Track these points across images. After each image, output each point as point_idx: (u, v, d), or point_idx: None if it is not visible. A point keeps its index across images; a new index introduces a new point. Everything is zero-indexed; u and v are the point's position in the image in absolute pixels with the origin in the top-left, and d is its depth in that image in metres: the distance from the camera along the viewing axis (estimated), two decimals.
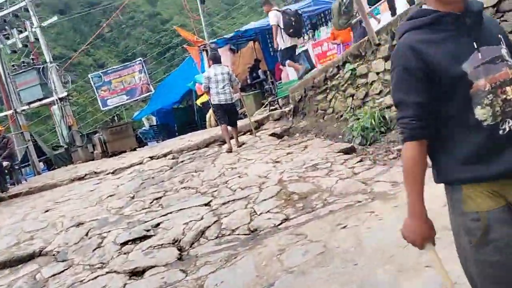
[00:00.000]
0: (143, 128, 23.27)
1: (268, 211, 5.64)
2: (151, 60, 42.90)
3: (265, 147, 8.91)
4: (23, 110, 15.97)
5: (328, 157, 7.16)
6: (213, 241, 5.31)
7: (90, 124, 28.96)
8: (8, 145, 12.51)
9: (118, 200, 7.86)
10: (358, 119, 8.29)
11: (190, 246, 5.35)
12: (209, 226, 5.63)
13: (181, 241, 5.50)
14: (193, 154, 10.24)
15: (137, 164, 10.67)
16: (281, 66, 17.00)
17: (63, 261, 5.92)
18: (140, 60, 22.71)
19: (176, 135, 22.60)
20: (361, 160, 6.69)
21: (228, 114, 9.97)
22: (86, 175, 10.95)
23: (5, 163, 12.12)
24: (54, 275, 5.58)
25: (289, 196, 5.93)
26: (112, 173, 10.66)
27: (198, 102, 24.55)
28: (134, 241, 5.88)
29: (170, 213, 6.48)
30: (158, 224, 6.20)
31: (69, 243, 6.34)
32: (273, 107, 14.92)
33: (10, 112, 16.00)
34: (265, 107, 15.52)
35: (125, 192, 8.24)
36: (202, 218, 5.94)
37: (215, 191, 6.98)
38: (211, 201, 6.57)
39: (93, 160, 15.00)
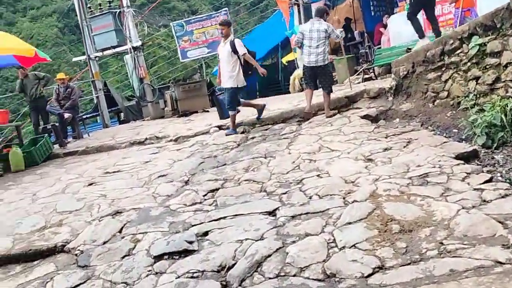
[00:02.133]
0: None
1: (354, 246, 3.95)
2: (244, 9, 41.24)
3: (355, 135, 7.13)
4: (97, 56, 14.98)
5: (442, 163, 5.29)
6: (271, 282, 3.73)
7: (167, 77, 27.96)
8: (72, 96, 11.49)
9: (169, 184, 6.45)
10: (483, 110, 6.31)
11: (240, 284, 3.82)
12: (269, 256, 4.04)
13: (229, 271, 3.97)
14: (266, 130, 8.67)
15: (202, 134, 9.26)
16: (381, 29, 14.87)
17: (83, 267, 4.61)
18: (226, 10, 21.10)
19: (257, 96, 21.19)
20: (490, 179, 4.78)
21: (318, 76, 8.76)
22: (146, 139, 9.71)
23: (66, 115, 11.10)
24: None
25: (385, 224, 4.20)
26: (175, 140, 9.33)
27: (284, 60, 22.89)
28: (171, 255, 4.45)
29: (224, 218, 4.96)
30: (205, 234, 4.71)
31: (97, 241, 5.02)
32: (367, 76, 13.00)
33: (83, 57, 15.11)
34: (357, 74, 13.58)
35: (179, 173, 6.83)
36: (262, 238, 4.36)
37: (285, 193, 5.37)
38: (277, 208, 4.97)
39: (163, 117, 13.83)
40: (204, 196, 5.76)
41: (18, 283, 4.57)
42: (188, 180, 6.57)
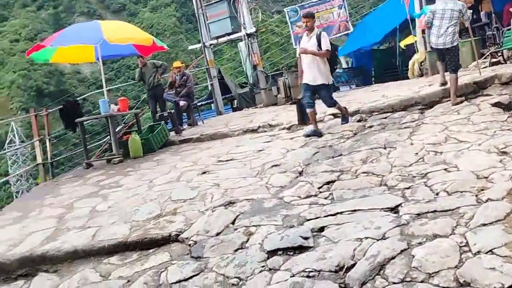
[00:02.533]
0: (336, 70, 21.33)
1: (490, 251, 3.48)
2: None
3: (486, 124, 6.46)
4: (211, 44, 15.17)
5: None
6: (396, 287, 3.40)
7: (279, 63, 27.78)
8: (187, 83, 11.71)
9: (282, 174, 6.25)
10: None
11: (361, 287, 3.52)
12: (393, 258, 3.68)
13: (347, 272, 3.68)
14: (385, 118, 8.16)
15: (317, 122, 8.94)
16: (511, 9, 13.54)
17: (196, 258, 4.55)
18: None
19: (372, 81, 20.43)
20: None
21: (446, 58, 8.26)
22: (259, 127, 9.59)
23: (182, 103, 11.35)
24: (180, 281, 4.25)
25: None
26: (288, 128, 9.12)
27: (402, 44, 21.80)
28: (285, 251, 4.24)
29: (341, 213, 4.66)
30: (321, 229, 4.44)
31: (210, 232, 4.94)
32: (494, 59, 11.91)
33: (199, 45, 15.39)
34: (484, 58, 12.47)
35: (293, 163, 6.60)
36: (384, 238, 4.01)
37: (409, 187, 4.94)
38: (400, 205, 4.57)
39: (276, 104, 13.71)
40: (319, 188, 5.48)
41: (134, 271, 4.62)
42: (302, 170, 6.32)
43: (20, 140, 37.42)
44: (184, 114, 12.30)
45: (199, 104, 14.41)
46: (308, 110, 8.20)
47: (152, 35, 11.60)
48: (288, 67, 14.72)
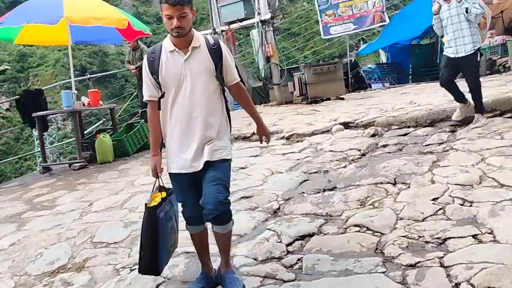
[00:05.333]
0: (368, 66, 19.37)
1: None
2: None
3: None
4: (223, 31, 13.44)
5: None
6: None
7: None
8: None
9: (249, 213, 4.54)
10: None
11: None
12: None
13: None
14: (405, 135, 6.37)
15: (322, 132, 7.21)
16: None
17: None
18: None
19: (408, 80, 18.44)
20: None
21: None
22: (253, 134, 7.88)
23: None
24: None
25: None
26: (287, 139, 7.41)
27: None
28: None
29: None
30: None
31: None
32: None
33: (209, 31, 13.68)
34: None
35: (270, 195, 4.91)
36: None
37: (414, 264, 3.18)
38: None
39: (291, 102, 11.96)
40: (288, 246, 3.77)
41: None
42: (278, 208, 4.61)
43: None
44: None
45: None
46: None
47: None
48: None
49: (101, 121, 9.90)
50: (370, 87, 17.80)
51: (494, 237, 3.33)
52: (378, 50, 21.98)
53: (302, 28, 28.73)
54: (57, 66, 50.11)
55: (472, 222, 3.62)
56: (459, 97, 6.29)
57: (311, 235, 3.89)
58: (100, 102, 8.43)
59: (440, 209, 3.93)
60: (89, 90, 8.44)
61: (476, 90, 6.17)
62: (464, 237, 3.39)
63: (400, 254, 3.34)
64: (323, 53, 26.11)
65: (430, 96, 8.76)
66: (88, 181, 6.69)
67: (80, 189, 6.27)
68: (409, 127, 6.61)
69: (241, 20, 12.71)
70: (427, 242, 3.47)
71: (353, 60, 18.67)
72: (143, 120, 8.52)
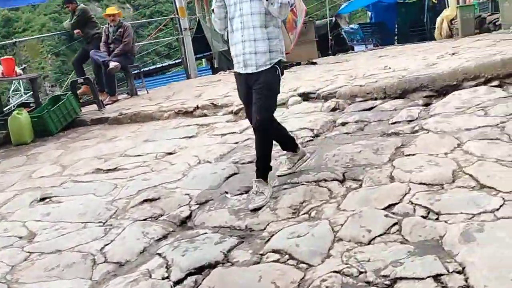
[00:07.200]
0: (350, 26, 17.99)
1: None
2: None
3: None
4: None
5: None
6: None
7: None
8: (124, 38, 8.60)
9: (145, 227, 3.39)
10: None
11: None
12: None
13: None
14: (370, 110, 5.18)
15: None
16: None
17: None
18: None
19: (394, 40, 17.18)
20: None
21: None
22: (197, 108, 6.67)
23: (112, 64, 8.17)
24: None
25: None
26: (234, 113, 6.26)
27: None
28: None
29: None
30: None
31: None
32: None
33: None
34: None
35: (183, 197, 3.75)
36: None
37: None
38: None
39: None
40: (175, 286, 2.63)
41: None
42: (188, 217, 3.46)
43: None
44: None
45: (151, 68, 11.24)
46: None
47: None
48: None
49: (28, 94, 8.66)
50: (353, 49, 16.54)
51: (466, 280, 2.19)
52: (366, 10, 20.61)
53: None
54: (43, 31, 48.18)
55: (437, 248, 2.47)
56: None
57: (213, 265, 2.74)
58: (18, 70, 7.16)
59: (395, 224, 2.77)
60: (1, 58, 7.15)
61: None
62: (422, 279, 2.24)
63: None
64: (315, 14, 24.48)
65: (409, 60, 7.56)
66: None
67: None
68: (376, 99, 5.41)
69: None
70: (368, 283, 2.32)
71: (333, 20, 17.33)
72: (69, 93, 7.27)
